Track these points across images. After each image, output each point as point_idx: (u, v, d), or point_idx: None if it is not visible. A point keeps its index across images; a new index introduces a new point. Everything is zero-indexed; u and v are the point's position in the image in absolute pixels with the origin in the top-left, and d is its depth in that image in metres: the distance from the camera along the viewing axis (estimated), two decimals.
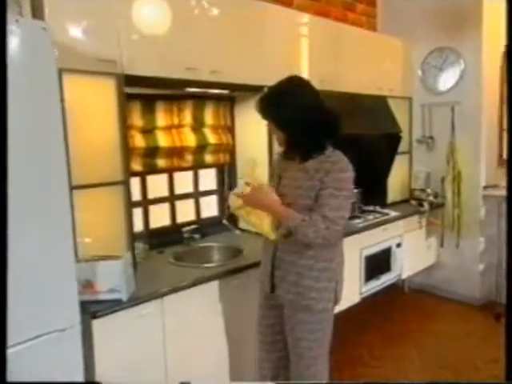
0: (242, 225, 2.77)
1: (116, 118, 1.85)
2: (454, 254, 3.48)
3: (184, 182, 2.65)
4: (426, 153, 3.62)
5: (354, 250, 2.82)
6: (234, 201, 1.73)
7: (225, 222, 2.77)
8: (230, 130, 2.72)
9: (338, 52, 2.98)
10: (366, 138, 3.34)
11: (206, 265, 2.19)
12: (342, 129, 1.69)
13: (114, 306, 1.64)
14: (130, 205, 1.97)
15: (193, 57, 2.10)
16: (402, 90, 3.57)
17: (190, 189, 2.69)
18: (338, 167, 1.57)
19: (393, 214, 3.16)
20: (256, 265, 2.10)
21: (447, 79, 3.43)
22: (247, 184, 1.68)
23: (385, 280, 3.10)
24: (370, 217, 3.03)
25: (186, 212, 2.65)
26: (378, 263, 3.02)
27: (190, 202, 2.69)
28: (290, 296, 1.68)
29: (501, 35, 3.47)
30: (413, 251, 3.34)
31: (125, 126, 1.88)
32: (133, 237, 1.98)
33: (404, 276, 3.30)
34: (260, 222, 1.66)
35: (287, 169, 1.70)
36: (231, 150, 2.75)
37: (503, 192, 3.31)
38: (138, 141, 2.25)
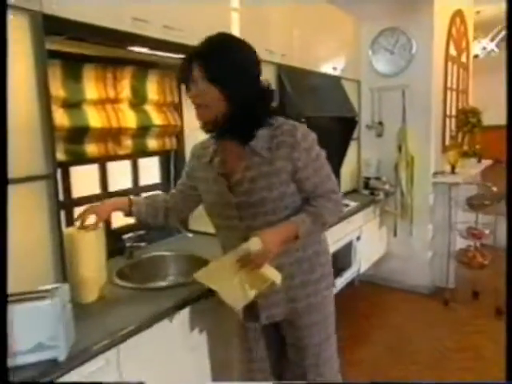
0: (193, 225, 2.28)
1: (33, 83, 1.23)
2: (405, 243, 3.40)
3: (120, 174, 2.05)
4: (375, 139, 3.47)
5: None
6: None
7: None
8: (177, 107, 2.18)
9: (297, 22, 2.60)
10: (322, 122, 3.05)
11: (163, 282, 1.67)
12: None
13: (47, 370, 1.06)
14: (59, 208, 1.37)
15: (144, 5, 1.54)
16: (352, 71, 3.34)
17: (128, 183, 2.10)
18: (300, 135, 1.24)
19: (352, 204, 2.92)
20: None
21: (397, 62, 3.29)
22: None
23: (347, 276, 2.87)
24: None
25: None
26: (341, 260, 2.76)
27: None
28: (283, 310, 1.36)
29: (445, 20, 3.46)
30: (370, 242, 3.16)
31: (48, 95, 1.26)
32: (63, 254, 1.38)
33: (363, 269, 3.12)
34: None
35: (227, 158, 1.30)
36: (179, 133, 2.21)
37: (450, 179, 3.30)
38: (60, 118, 1.62)
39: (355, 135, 3.47)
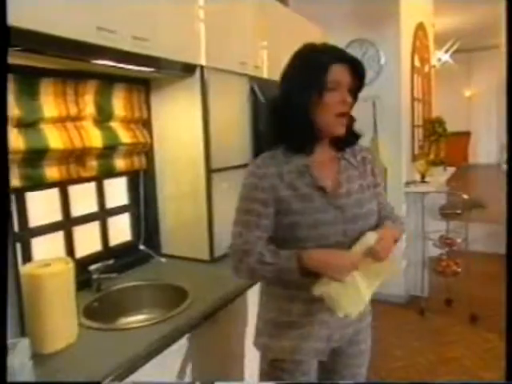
0: (166, 249, 2.12)
1: None
2: None
3: (84, 197, 1.87)
4: None
5: None
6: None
7: (142, 247, 2.09)
8: (146, 124, 2.03)
9: (266, 34, 2.53)
10: None
11: (137, 317, 1.51)
12: None
13: None
14: (14, 241, 1.19)
15: (110, 13, 1.39)
16: None
17: (93, 207, 1.91)
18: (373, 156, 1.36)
19: None
20: (214, 312, 1.52)
21: (367, 73, 3.28)
22: None
23: None
24: None
25: (88, 241, 1.87)
26: None
27: (94, 227, 1.91)
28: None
29: (410, 32, 3.52)
30: None
31: (4, 114, 1.09)
32: (20, 298, 1.20)
33: None
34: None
35: (324, 169, 1.23)
36: (148, 151, 2.06)
37: (422, 188, 3.32)
38: (15, 140, 1.43)
39: None
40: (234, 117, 2.18)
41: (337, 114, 1.17)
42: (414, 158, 3.57)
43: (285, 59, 2.72)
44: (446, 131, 3.78)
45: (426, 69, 4.09)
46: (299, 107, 1.15)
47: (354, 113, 3.67)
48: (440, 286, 3.37)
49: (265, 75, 2.45)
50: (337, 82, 1.15)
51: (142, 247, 2.08)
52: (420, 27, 3.70)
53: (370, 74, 3.28)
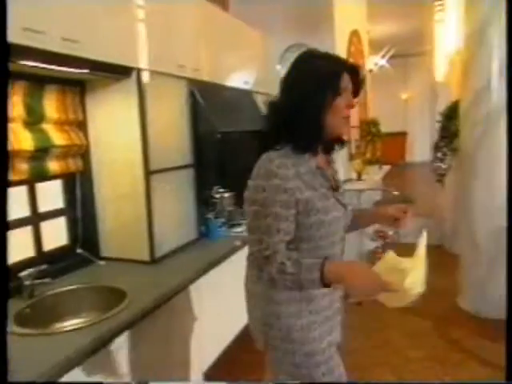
0: (105, 252, 2.11)
1: None
2: None
3: (15, 202, 1.81)
4: None
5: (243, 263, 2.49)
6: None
7: (80, 250, 2.06)
8: (82, 125, 2.00)
9: (207, 37, 2.57)
10: (237, 137, 3.04)
11: (72, 324, 1.49)
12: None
13: None
14: None
15: (39, 13, 1.37)
16: (263, 85, 3.40)
17: (25, 211, 1.85)
18: None
19: None
20: (152, 311, 1.55)
21: None
22: None
23: None
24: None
25: (20, 246, 1.82)
26: None
27: (26, 231, 1.86)
28: None
29: (345, 38, 3.72)
30: None
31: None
32: None
33: None
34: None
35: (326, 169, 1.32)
36: (84, 154, 2.03)
37: (358, 186, 3.52)
38: None
39: None
40: (172, 119, 2.20)
41: (344, 117, 1.24)
42: (351, 158, 3.77)
43: (224, 62, 2.81)
44: (380, 132, 4.04)
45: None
46: (314, 109, 1.19)
47: None
48: None
49: (205, 78, 2.49)
50: (344, 88, 1.22)
51: (79, 251, 2.05)
52: (354, 34, 3.91)
53: None
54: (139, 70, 1.91)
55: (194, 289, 1.94)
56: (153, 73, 2.00)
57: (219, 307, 2.24)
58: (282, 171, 1.16)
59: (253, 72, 3.25)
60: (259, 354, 1.42)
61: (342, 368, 1.33)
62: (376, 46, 7.25)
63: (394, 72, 7.79)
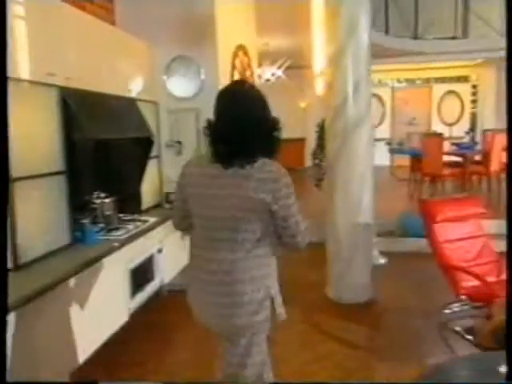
0: None
1: None
2: None
3: None
4: (175, 157, 3.74)
5: (119, 265, 2.60)
6: None
7: None
8: None
9: (84, 47, 2.64)
10: (116, 144, 3.12)
11: None
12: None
13: None
14: None
15: None
16: (149, 93, 3.52)
17: None
18: None
19: (152, 220, 3.09)
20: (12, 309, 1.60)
21: (190, 87, 3.63)
22: None
23: (150, 289, 3.02)
24: (131, 226, 2.86)
25: None
26: (142, 274, 2.90)
27: None
28: None
29: (229, 52, 3.98)
30: (172, 254, 3.39)
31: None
32: None
33: (166, 280, 3.32)
34: None
35: None
36: None
37: None
38: None
39: (156, 153, 3.67)
40: (40, 126, 2.23)
41: None
42: None
43: (105, 71, 2.88)
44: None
45: None
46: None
47: (181, 122, 3.95)
48: None
49: (80, 86, 2.54)
50: None
51: None
52: (240, 48, 4.21)
53: (192, 88, 3.63)
54: None
55: (62, 291, 2.02)
56: (16, 80, 2.02)
57: (92, 308, 2.32)
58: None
59: (138, 81, 3.36)
60: (132, 355, 1.56)
61: None
62: (275, 58, 7.77)
63: (290, 82, 8.36)
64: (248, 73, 4.59)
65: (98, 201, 2.89)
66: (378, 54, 8.94)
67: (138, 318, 2.91)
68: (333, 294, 3.62)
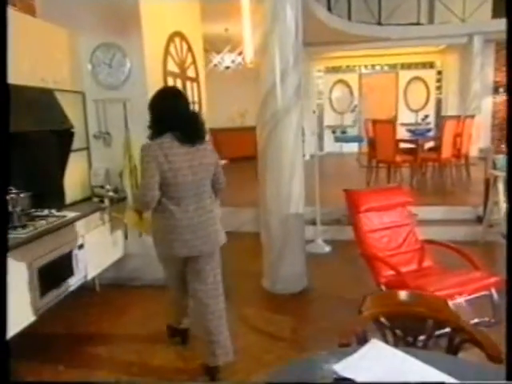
0: None
1: None
2: (138, 243, 3.64)
3: None
4: (104, 148, 3.62)
5: (21, 265, 2.50)
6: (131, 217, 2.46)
7: None
8: None
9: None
10: (32, 137, 3.00)
11: None
12: None
13: None
14: None
15: None
16: (72, 83, 3.39)
17: None
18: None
19: (70, 215, 2.99)
20: None
21: (117, 76, 3.50)
22: None
23: (68, 286, 2.93)
24: (42, 222, 2.76)
25: None
26: (56, 271, 2.81)
27: None
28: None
29: (161, 39, 3.85)
30: (98, 249, 3.30)
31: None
32: None
33: (90, 276, 3.23)
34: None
35: None
36: None
37: None
38: None
39: (84, 145, 3.55)
40: None
41: None
42: None
43: (18, 61, 2.71)
44: (204, 129, 4.28)
45: (191, 73, 4.53)
46: None
47: (109, 112, 3.84)
48: None
49: None
50: None
51: None
52: (177, 35, 4.08)
53: (119, 77, 3.50)
54: None
55: None
56: None
57: None
58: None
59: (59, 71, 3.22)
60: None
61: None
62: (232, 43, 7.62)
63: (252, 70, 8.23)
64: (189, 60, 4.47)
65: (7, 196, 2.78)
66: (344, 40, 8.94)
67: (53, 314, 2.84)
68: (267, 284, 3.61)
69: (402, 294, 1.61)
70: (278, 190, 3.39)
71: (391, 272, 2.78)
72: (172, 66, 4.02)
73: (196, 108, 4.64)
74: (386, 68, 10.72)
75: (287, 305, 3.36)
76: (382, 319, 1.61)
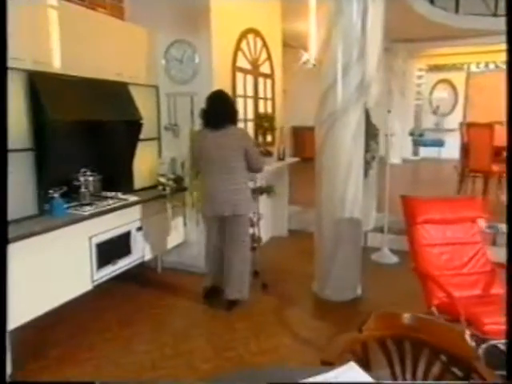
0: None
1: None
2: (196, 232, 3.81)
3: None
4: (173, 139, 3.84)
5: (82, 238, 2.80)
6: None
7: None
8: None
9: (80, 37, 2.88)
10: (106, 125, 3.32)
11: None
12: None
13: None
14: None
15: None
16: (148, 78, 3.66)
17: None
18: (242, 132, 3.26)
19: (132, 199, 3.25)
20: None
21: (186, 71, 3.68)
22: None
23: (124, 264, 3.20)
24: (105, 203, 3.04)
25: None
26: (113, 248, 3.07)
27: None
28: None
29: (231, 36, 3.94)
30: (157, 233, 3.53)
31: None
32: None
33: (148, 257, 3.48)
34: None
35: None
36: None
37: None
38: None
39: (155, 135, 3.82)
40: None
41: None
42: None
43: (91, 56, 3.03)
44: (273, 126, 4.28)
45: (265, 69, 4.55)
46: None
47: (178, 105, 4.09)
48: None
49: (54, 70, 2.75)
50: None
51: None
52: (250, 31, 4.13)
53: (188, 72, 3.68)
54: None
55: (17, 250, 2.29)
56: None
57: (51, 271, 2.57)
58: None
59: (137, 66, 3.52)
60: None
61: None
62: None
63: None
64: (264, 56, 4.50)
65: (82, 178, 3.13)
66: (450, 35, 8.11)
67: (108, 287, 3.13)
68: (316, 288, 3.48)
69: (408, 318, 1.42)
70: (332, 191, 3.23)
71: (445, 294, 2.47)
72: (243, 62, 4.09)
73: (268, 104, 4.66)
74: (502, 66, 9.48)
75: (332, 312, 3.20)
76: (389, 343, 1.44)
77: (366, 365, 1.42)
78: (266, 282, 3.60)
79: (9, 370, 2.34)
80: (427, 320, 1.42)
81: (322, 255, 3.40)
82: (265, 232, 4.63)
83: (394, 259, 4.26)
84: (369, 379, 1.14)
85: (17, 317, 2.36)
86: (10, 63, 2.44)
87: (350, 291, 3.37)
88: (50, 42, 2.75)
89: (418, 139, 7.44)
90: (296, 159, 5.14)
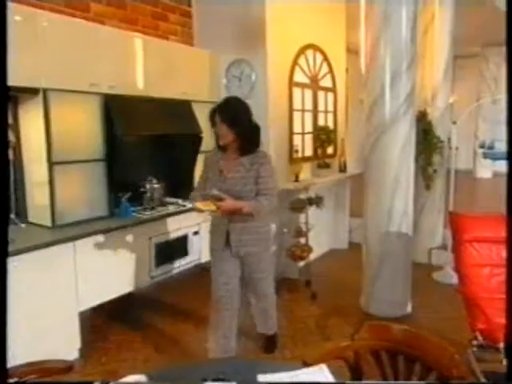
0: (30, 218, 2.95)
1: None
2: None
3: None
4: None
5: (142, 238, 3.17)
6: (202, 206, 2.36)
7: (12, 216, 2.91)
8: (12, 128, 2.84)
9: (153, 64, 3.37)
10: (171, 138, 3.71)
11: None
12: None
13: None
14: None
15: None
16: (210, 95, 4.00)
17: None
18: (265, 158, 2.45)
19: (190, 205, 3.56)
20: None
21: (244, 87, 3.94)
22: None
23: (181, 264, 3.52)
24: (165, 208, 3.40)
25: None
26: (171, 249, 3.41)
27: None
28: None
29: (288, 53, 4.10)
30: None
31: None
32: None
33: (204, 260, 3.76)
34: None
35: (227, 163, 2.45)
36: (15, 147, 2.87)
37: (289, 186, 3.93)
38: None
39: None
40: (82, 126, 2.94)
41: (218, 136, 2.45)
42: (293, 161, 4.16)
43: (160, 78, 3.43)
44: (331, 138, 4.34)
45: (326, 82, 4.62)
46: None
47: None
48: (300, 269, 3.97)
49: (124, 92, 3.18)
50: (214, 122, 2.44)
51: (11, 216, 2.91)
52: (309, 47, 4.27)
53: (246, 89, 3.93)
54: (45, 90, 2.67)
55: (78, 246, 2.70)
56: (60, 91, 2.75)
57: (116, 264, 2.97)
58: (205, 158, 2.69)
59: (198, 85, 3.88)
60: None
61: None
62: None
63: None
64: (324, 70, 4.58)
65: (148, 185, 3.54)
66: None
67: (163, 284, 3.47)
68: (362, 302, 3.45)
69: (399, 330, 1.44)
70: (379, 205, 3.20)
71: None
72: (300, 77, 4.23)
73: (329, 117, 4.73)
74: None
75: None
76: (382, 354, 1.48)
77: (357, 372, 1.48)
78: (315, 292, 3.66)
79: (78, 344, 2.76)
80: (418, 334, 1.42)
81: (368, 269, 3.37)
82: (322, 244, 4.67)
83: (456, 280, 4.00)
84: (330, 381, 1.21)
85: (86, 301, 2.79)
86: (89, 88, 2.93)
87: (398, 308, 3.28)
88: (127, 69, 3.21)
89: (488, 152, 6.74)
90: (360, 171, 5.09)
